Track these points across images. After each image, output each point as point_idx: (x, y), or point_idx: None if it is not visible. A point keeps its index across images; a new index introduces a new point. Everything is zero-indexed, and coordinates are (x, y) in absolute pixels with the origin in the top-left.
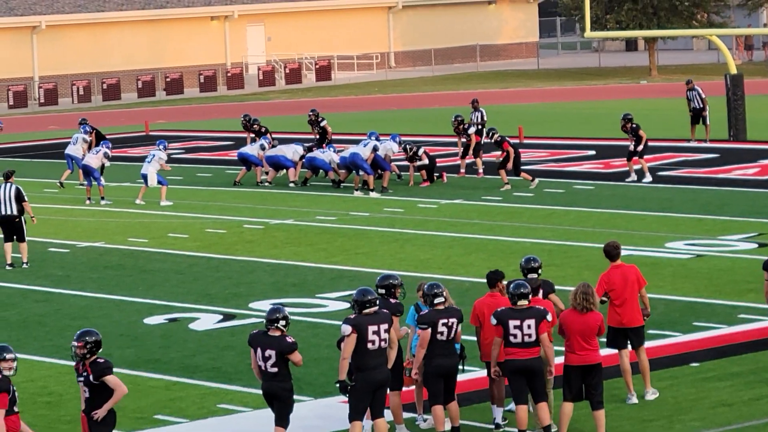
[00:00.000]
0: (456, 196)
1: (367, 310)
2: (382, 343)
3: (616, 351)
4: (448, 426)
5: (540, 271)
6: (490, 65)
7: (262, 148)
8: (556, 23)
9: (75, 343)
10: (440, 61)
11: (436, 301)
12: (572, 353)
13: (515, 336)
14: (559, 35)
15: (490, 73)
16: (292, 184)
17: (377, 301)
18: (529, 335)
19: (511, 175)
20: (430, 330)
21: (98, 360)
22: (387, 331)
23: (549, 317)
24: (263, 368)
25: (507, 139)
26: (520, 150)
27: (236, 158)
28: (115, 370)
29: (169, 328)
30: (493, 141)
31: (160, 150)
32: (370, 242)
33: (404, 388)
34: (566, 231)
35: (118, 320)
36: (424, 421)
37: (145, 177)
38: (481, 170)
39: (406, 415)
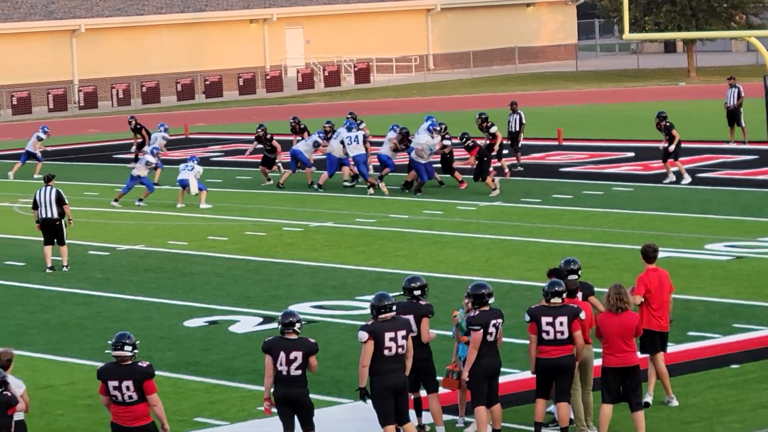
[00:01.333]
0: (495, 198)
1: (383, 316)
2: (399, 350)
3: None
4: (489, 429)
5: (579, 273)
6: (528, 67)
7: (316, 145)
8: (594, 25)
9: None
10: (479, 63)
11: (490, 302)
12: (611, 355)
13: (548, 333)
14: (598, 37)
15: (528, 76)
16: (346, 183)
17: (394, 307)
18: (561, 332)
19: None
20: (482, 331)
21: None
22: (405, 337)
23: (582, 315)
24: (285, 373)
25: (478, 144)
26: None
27: (287, 157)
28: (155, 372)
29: (209, 331)
30: (464, 145)
31: (195, 163)
32: (409, 244)
33: (441, 390)
34: (606, 233)
35: (158, 323)
36: (465, 424)
37: (183, 183)
38: (507, 170)
39: (445, 417)
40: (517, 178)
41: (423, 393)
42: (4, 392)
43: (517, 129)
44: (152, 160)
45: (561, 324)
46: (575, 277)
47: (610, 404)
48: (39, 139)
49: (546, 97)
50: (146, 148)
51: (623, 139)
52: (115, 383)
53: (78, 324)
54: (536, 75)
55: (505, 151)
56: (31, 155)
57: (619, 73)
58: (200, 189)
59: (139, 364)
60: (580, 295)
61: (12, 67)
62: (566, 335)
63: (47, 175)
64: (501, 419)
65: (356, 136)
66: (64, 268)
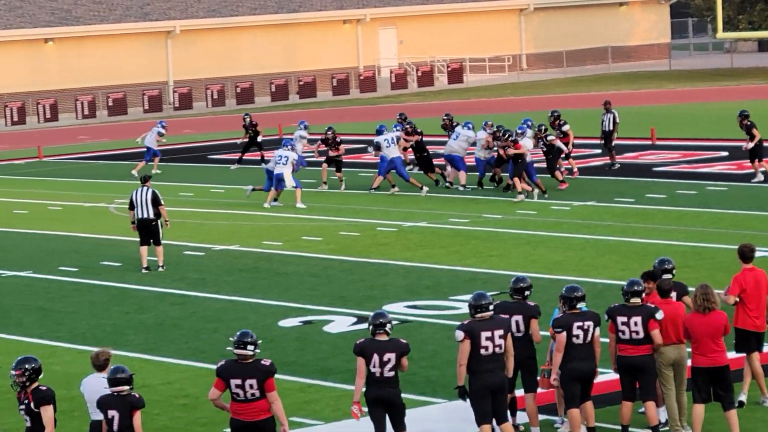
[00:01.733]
0: (588, 198)
1: (480, 315)
2: (497, 349)
3: (743, 354)
4: (583, 429)
5: (674, 272)
6: (621, 67)
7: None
8: (688, 24)
9: (13, 372)
10: (572, 63)
11: (579, 305)
12: (700, 355)
13: (623, 333)
14: (691, 36)
15: (621, 75)
16: (461, 188)
17: (491, 307)
18: (636, 332)
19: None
20: (565, 333)
21: (40, 387)
22: (503, 336)
23: (659, 315)
24: (378, 374)
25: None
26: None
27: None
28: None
29: (304, 331)
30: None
31: (289, 150)
32: (503, 244)
33: (539, 390)
34: (699, 233)
35: (253, 323)
36: (562, 422)
37: (278, 179)
38: (575, 170)
39: (542, 417)
40: (610, 178)
41: (518, 392)
42: (132, 393)
43: (611, 128)
44: (293, 155)
45: (635, 324)
46: (669, 276)
47: (701, 404)
48: (160, 135)
49: (639, 97)
50: (280, 151)
51: (717, 139)
52: (238, 381)
53: (174, 324)
54: (629, 74)
55: (598, 151)
56: (149, 151)
57: (712, 72)
58: (295, 187)
59: (262, 362)
60: (674, 294)
61: (107, 69)
62: (642, 335)
63: (144, 175)
64: (593, 416)
65: (392, 138)
66: (160, 269)
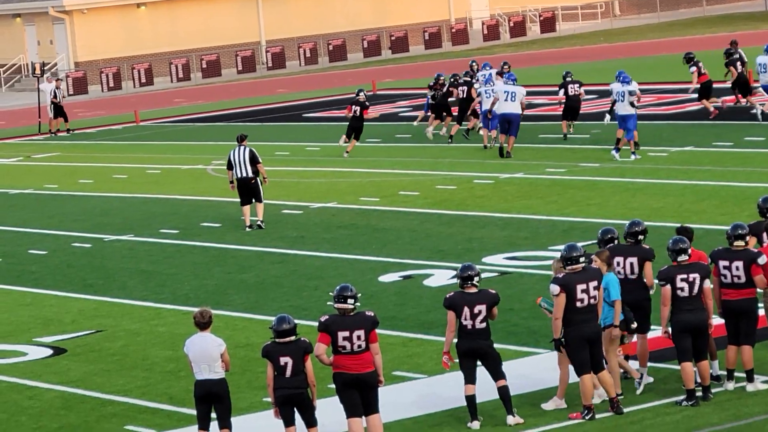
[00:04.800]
0: (686, 143)
1: (572, 267)
2: (592, 300)
3: None
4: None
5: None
6: (716, 9)
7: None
8: None
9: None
10: (665, 7)
11: (680, 258)
12: None
13: (725, 276)
14: None
15: (716, 17)
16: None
17: (582, 258)
18: (738, 277)
19: None
20: (669, 286)
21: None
22: (597, 288)
23: (761, 260)
24: (470, 327)
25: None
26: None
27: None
28: None
29: (404, 286)
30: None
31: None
32: (601, 193)
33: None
34: None
35: (353, 279)
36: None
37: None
38: (712, 108)
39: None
40: (708, 122)
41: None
42: (302, 339)
43: (741, 68)
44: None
45: (737, 268)
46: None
47: None
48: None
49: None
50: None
51: None
52: (346, 333)
53: (274, 282)
54: (725, 16)
55: (694, 96)
56: None
57: None
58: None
59: (367, 313)
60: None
61: (200, 31)
62: (743, 279)
63: (240, 134)
64: (708, 377)
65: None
66: (260, 225)
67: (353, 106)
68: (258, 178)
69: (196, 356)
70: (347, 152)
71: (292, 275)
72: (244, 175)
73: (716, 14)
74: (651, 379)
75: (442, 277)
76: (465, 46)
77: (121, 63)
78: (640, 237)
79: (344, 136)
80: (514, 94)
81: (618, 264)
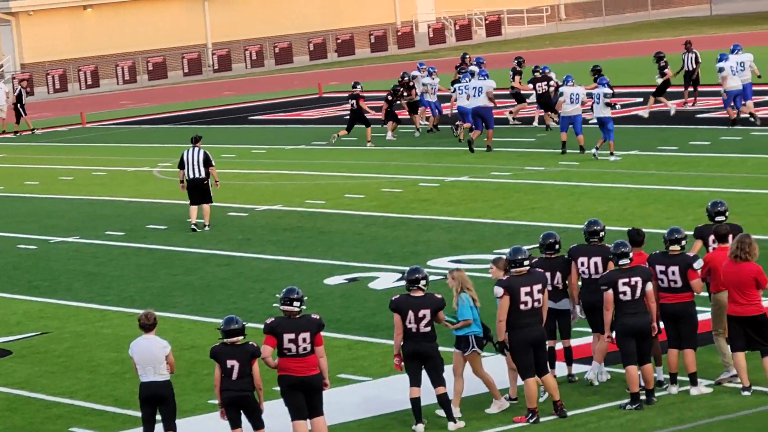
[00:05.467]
0: (631, 147)
1: (517, 270)
2: (536, 304)
3: None
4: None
5: (727, 214)
6: (661, 13)
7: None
8: None
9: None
10: (611, 11)
11: (621, 262)
12: (731, 303)
13: (662, 281)
14: None
15: (661, 22)
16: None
17: (525, 262)
18: (675, 281)
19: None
20: (611, 290)
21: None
22: (541, 291)
23: (696, 264)
24: (415, 330)
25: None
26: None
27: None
28: None
29: (349, 288)
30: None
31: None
32: (546, 196)
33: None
34: (744, 178)
35: (298, 282)
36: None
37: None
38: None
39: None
40: (653, 126)
41: (559, 345)
42: (251, 343)
43: (693, 67)
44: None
45: (673, 273)
46: (723, 219)
47: (740, 352)
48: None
49: (680, 43)
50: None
51: (761, 83)
52: (291, 336)
53: (220, 285)
54: (670, 21)
55: (639, 99)
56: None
57: (755, 16)
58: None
59: (313, 316)
60: (731, 238)
61: (146, 33)
62: (680, 284)
63: (195, 135)
64: (652, 380)
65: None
66: (206, 228)
67: (350, 100)
68: (209, 180)
69: (141, 358)
70: (369, 141)
71: (238, 277)
72: (196, 175)
73: (661, 18)
74: (608, 376)
75: (387, 279)
76: (411, 50)
77: (67, 65)
78: (602, 234)
79: (344, 131)
80: (480, 89)
81: (582, 264)
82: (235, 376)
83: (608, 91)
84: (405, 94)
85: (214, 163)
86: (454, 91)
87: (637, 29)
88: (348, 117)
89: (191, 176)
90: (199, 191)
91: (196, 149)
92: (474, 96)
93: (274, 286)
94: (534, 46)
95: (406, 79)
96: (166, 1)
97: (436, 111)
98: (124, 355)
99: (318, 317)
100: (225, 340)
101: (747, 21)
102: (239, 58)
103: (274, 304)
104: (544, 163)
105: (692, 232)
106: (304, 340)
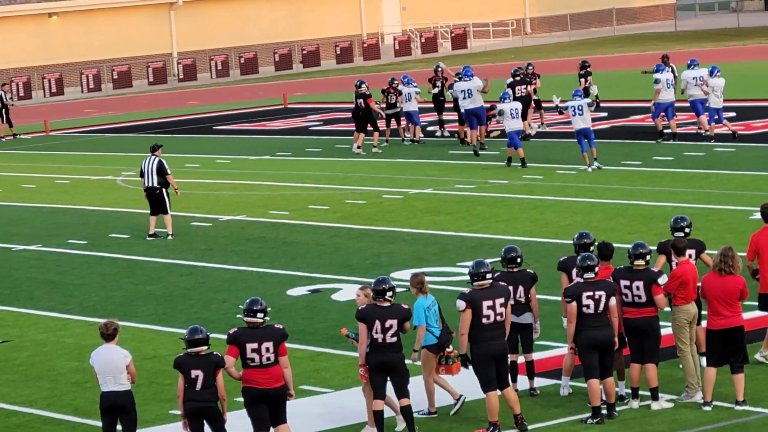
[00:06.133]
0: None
1: (480, 283)
2: (498, 317)
3: (752, 315)
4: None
5: (687, 230)
6: (626, 29)
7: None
8: None
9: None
10: (576, 26)
11: (586, 275)
12: (713, 317)
13: (626, 296)
14: None
15: (626, 37)
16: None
17: (487, 275)
18: (639, 296)
19: None
20: (575, 303)
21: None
22: (503, 305)
23: (661, 280)
24: (381, 340)
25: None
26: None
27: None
28: None
29: (312, 299)
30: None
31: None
32: (509, 210)
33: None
34: (707, 194)
35: (261, 292)
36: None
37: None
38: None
39: (548, 382)
40: (617, 141)
41: (522, 359)
42: (215, 353)
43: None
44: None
45: (638, 288)
46: (683, 234)
47: (714, 367)
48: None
49: (645, 59)
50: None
51: (724, 99)
52: (255, 345)
53: (183, 294)
54: (635, 36)
55: (604, 114)
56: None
57: (718, 33)
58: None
59: (276, 326)
60: (693, 252)
61: (112, 42)
62: (644, 298)
63: (153, 144)
64: (613, 394)
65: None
66: (169, 237)
67: (357, 99)
68: (165, 190)
69: (102, 368)
70: (375, 147)
71: (201, 287)
72: (151, 184)
73: (626, 34)
74: (570, 390)
75: (350, 291)
76: (376, 61)
77: (31, 72)
78: (592, 249)
79: (358, 142)
80: (470, 91)
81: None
82: (199, 386)
83: (590, 101)
84: (392, 101)
85: (169, 171)
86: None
87: (602, 44)
88: (355, 117)
89: (147, 185)
90: (153, 200)
91: (153, 157)
92: (464, 98)
93: (236, 296)
94: (499, 60)
95: (395, 83)
96: (132, 10)
97: (416, 122)
98: (85, 365)
99: (281, 327)
100: (189, 350)
101: (710, 37)
102: (205, 68)
103: (238, 315)
104: (508, 176)
105: (656, 247)
106: (267, 349)
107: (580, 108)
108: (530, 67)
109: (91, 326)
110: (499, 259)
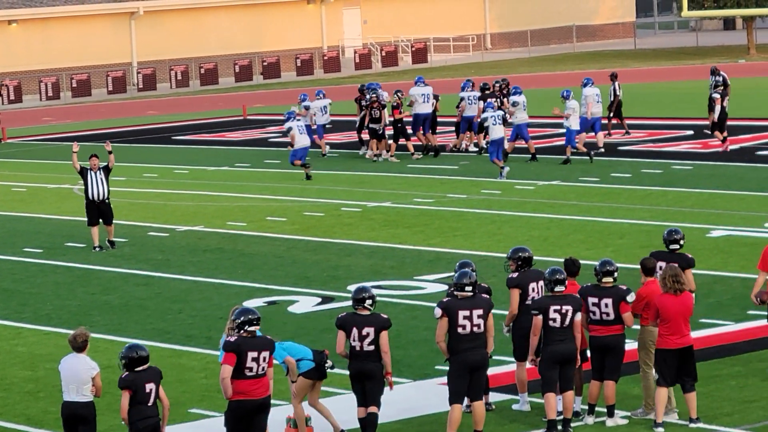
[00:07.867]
0: (553, 177)
1: (460, 293)
2: (475, 328)
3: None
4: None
5: (682, 242)
6: (586, 46)
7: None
8: (653, 2)
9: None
10: (536, 42)
11: (557, 288)
12: (671, 336)
13: (594, 313)
14: (656, 15)
15: (586, 54)
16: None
17: (468, 287)
18: (607, 314)
19: None
20: (541, 316)
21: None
22: (482, 316)
23: (629, 298)
24: (358, 348)
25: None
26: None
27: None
28: (212, 353)
29: (268, 311)
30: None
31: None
32: (467, 224)
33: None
34: (664, 212)
35: (217, 303)
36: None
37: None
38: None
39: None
40: (575, 157)
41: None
42: (153, 366)
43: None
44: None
45: (606, 305)
46: (677, 247)
47: (666, 387)
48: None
49: (604, 76)
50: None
51: (682, 118)
52: (254, 354)
53: (139, 305)
54: (594, 53)
55: (561, 130)
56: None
57: (677, 51)
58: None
59: (267, 336)
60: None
61: (71, 50)
62: (612, 316)
63: (92, 154)
64: (571, 408)
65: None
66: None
67: (380, 110)
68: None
69: (66, 375)
70: (392, 155)
71: (157, 298)
72: (103, 197)
73: (586, 51)
74: (529, 408)
75: (307, 303)
76: (337, 74)
77: None
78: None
79: (371, 148)
80: (428, 96)
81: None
82: (151, 401)
83: (501, 113)
84: (377, 115)
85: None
86: (462, 100)
87: (561, 60)
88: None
89: (98, 198)
90: (103, 211)
91: (98, 170)
92: (423, 102)
93: (192, 307)
94: (459, 74)
95: (374, 96)
96: (92, 19)
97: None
98: (38, 374)
99: (269, 337)
100: (137, 369)
101: (669, 55)
102: (164, 78)
103: (191, 329)
104: (466, 191)
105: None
106: (264, 359)
107: (495, 119)
108: (498, 84)
109: (46, 335)
110: (453, 273)
